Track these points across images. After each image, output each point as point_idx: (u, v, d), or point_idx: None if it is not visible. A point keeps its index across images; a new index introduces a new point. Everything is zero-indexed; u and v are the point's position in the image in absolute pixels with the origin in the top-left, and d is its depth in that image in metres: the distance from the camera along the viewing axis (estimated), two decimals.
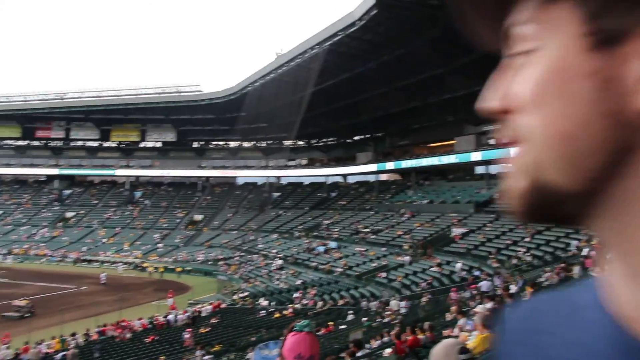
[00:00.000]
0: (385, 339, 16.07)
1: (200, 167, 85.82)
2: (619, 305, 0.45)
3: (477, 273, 29.98)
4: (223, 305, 39.01)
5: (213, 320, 32.44)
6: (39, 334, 28.69)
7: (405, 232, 46.00)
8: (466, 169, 56.91)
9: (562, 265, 20.63)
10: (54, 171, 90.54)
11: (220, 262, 58.51)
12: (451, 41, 31.27)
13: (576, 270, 18.86)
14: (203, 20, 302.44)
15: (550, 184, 0.45)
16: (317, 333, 13.89)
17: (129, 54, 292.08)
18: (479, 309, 13.97)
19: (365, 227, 51.86)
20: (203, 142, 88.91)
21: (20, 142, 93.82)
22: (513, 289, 18.25)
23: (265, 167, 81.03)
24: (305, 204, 72.40)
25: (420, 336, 13.23)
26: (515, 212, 0.50)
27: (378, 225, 51.56)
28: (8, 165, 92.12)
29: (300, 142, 79.94)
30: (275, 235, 61.77)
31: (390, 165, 61.02)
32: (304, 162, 78.17)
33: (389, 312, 24.39)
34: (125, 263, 62.85)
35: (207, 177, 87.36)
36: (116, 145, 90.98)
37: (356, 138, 72.10)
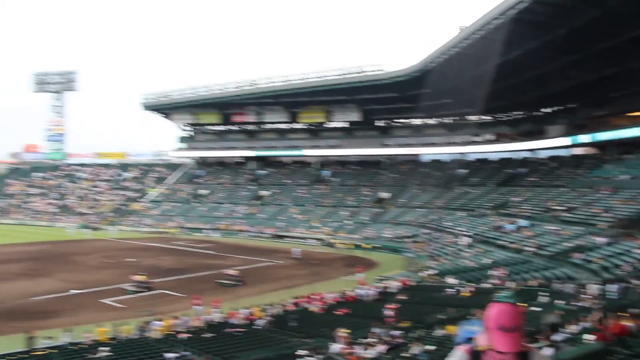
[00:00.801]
0: (585, 324, 15.24)
1: (385, 145, 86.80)
2: None
3: None
4: (411, 283, 39.37)
5: (401, 297, 32.87)
6: (241, 301, 31.33)
7: (604, 210, 42.66)
8: None
9: None
10: (250, 153, 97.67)
11: (407, 240, 58.99)
12: None
13: None
14: None
15: None
16: None
17: (313, 38, 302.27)
18: None
19: (558, 205, 49.02)
20: (387, 121, 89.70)
21: (220, 127, 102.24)
22: None
23: (451, 144, 79.72)
24: (492, 180, 70.20)
25: (628, 324, 12.35)
26: None
27: (572, 202, 48.41)
28: (212, 148, 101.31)
29: (486, 117, 77.43)
30: (462, 213, 60.76)
31: (584, 138, 56.83)
32: (491, 137, 75.58)
33: (586, 296, 22.99)
34: (316, 239, 65.88)
35: (392, 155, 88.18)
36: (304, 126, 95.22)
37: (546, 110, 68.12)
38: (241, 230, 74.70)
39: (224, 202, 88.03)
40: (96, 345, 23.58)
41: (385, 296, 33.73)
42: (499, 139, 73.86)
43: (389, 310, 23.98)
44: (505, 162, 74.62)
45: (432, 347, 16.79)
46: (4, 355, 22.44)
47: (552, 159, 68.24)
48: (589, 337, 12.67)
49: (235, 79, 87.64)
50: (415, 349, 16.48)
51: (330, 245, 63.04)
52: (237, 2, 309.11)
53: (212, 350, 22.02)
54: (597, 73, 50.40)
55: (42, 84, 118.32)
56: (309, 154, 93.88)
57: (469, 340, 3.26)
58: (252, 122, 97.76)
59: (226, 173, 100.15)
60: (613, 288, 23.65)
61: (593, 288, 24.22)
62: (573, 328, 15.24)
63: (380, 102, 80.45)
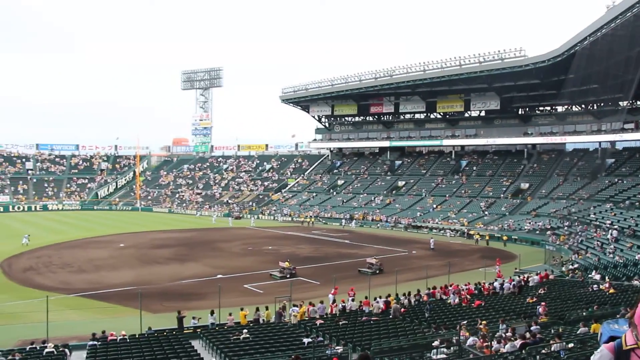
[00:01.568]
0: None
1: (526, 134, 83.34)
2: None
3: None
4: (551, 276, 37.74)
5: (540, 291, 31.66)
6: (376, 290, 31.69)
7: None
8: None
9: None
10: (386, 143, 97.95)
11: (548, 232, 56.48)
12: None
13: None
14: None
15: None
16: None
17: (451, 24, 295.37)
18: None
19: None
20: (528, 109, 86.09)
21: (356, 118, 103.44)
22: None
23: (598, 132, 74.82)
24: None
25: None
26: None
27: None
28: (348, 139, 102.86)
29: (639, 102, 71.77)
30: (609, 205, 56.96)
31: None
32: None
33: None
34: (452, 230, 64.88)
35: (534, 144, 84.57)
36: (441, 116, 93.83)
37: None
38: (377, 220, 75.23)
39: (361, 192, 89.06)
40: (238, 327, 25.02)
41: (522, 290, 32.69)
42: None
43: (540, 307, 23.10)
44: None
45: (573, 345, 16.14)
46: (157, 331, 24.54)
47: None
48: None
49: (372, 70, 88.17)
50: (555, 346, 15.91)
51: (468, 236, 61.81)
52: None
53: (346, 337, 22.57)
54: None
55: (190, 81, 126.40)
56: (446, 144, 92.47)
57: (613, 338, 3.15)
58: (388, 113, 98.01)
59: (363, 163, 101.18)
60: None
61: None
62: None
63: (521, 89, 77.41)
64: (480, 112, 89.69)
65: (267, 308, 27.82)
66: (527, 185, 76.08)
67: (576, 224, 55.87)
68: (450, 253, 51.41)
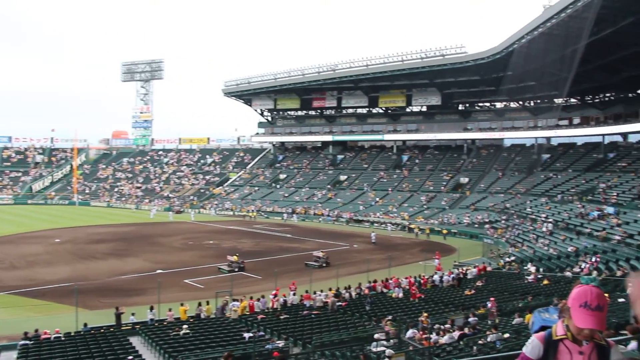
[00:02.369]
0: None
1: (466, 130, 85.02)
2: None
3: None
4: (488, 269, 38.59)
5: (478, 284, 32.30)
6: (318, 284, 31.62)
7: None
8: None
9: None
10: (328, 138, 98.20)
11: (486, 225, 57.79)
12: None
13: None
14: None
15: None
16: None
17: (393, 20, 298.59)
18: None
19: None
20: (468, 104, 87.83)
21: (299, 112, 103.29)
22: None
23: (534, 128, 77.08)
24: (578, 165, 67.41)
25: None
26: None
27: None
28: (291, 133, 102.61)
29: (573, 100, 74.20)
30: (544, 199, 58.76)
31: None
32: (577, 120, 72.43)
33: None
34: (393, 224, 65.56)
35: (473, 140, 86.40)
36: (383, 110, 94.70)
37: (639, 92, 64.36)
38: (319, 214, 75.29)
39: (303, 187, 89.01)
40: (178, 323, 24.51)
41: (461, 282, 33.26)
42: (587, 122, 70.58)
43: (490, 302, 23.43)
44: (593, 147, 71.41)
45: (508, 335, 16.40)
46: (94, 328, 23.77)
47: None
48: None
49: (315, 64, 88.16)
50: (491, 337, 16.15)
51: (408, 230, 62.56)
52: None
53: (287, 331, 22.38)
54: None
55: (131, 73, 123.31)
56: (388, 139, 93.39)
57: (544, 328, 3.23)
58: (331, 107, 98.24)
59: (305, 158, 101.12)
60: None
61: None
62: None
63: (461, 85, 78.81)
64: (421, 108, 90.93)
65: (207, 303, 27.39)
66: (466, 179, 77.65)
67: (513, 217, 57.37)
68: (391, 247, 51.94)
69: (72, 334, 22.84)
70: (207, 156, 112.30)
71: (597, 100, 71.37)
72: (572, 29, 46.34)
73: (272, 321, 24.55)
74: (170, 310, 26.21)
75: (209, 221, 73.18)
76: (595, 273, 30.94)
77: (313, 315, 25.47)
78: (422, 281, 33.56)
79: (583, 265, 34.16)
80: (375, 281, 32.37)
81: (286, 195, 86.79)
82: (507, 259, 42.19)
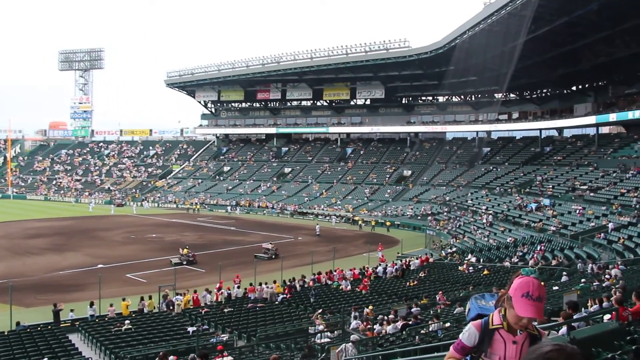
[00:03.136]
0: (605, 304, 15.03)
1: (409, 123, 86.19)
2: None
3: None
4: (431, 260, 39.38)
5: (421, 274, 32.92)
6: (262, 277, 31.54)
7: (630, 190, 41.89)
8: None
9: None
10: (273, 130, 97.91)
11: (429, 217, 58.85)
12: None
13: None
14: None
15: None
16: None
17: (337, 13, 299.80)
18: None
19: (583, 184, 48.35)
20: (411, 98, 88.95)
21: (243, 104, 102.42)
22: None
23: (475, 122, 78.94)
24: (517, 159, 69.43)
25: None
26: None
27: (598, 182, 47.69)
28: (235, 125, 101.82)
29: (512, 95, 76.34)
30: (484, 191, 60.32)
31: (613, 116, 55.53)
32: (516, 115, 74.59)
33: (608, 276, 22.70)
34: (338, 216, 65.98)
35: (416, 133, 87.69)
36: (328, 103, 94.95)
37: (574, 88, 66.76)
38: (263, 207, 75.00)
39: (247, 179, 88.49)
40: (120, 318, 24.05)
41: (405, 273, 33.81)
42: (525, 117, 72.78)
43: (438, 295, 23.87)
44: (531, 141, 73.68)
45: (449, 324, 16.79)
46: (31, 326, 23.01)
47: (578, 137, 67.12)
48: (607, 317, 12.48)
49: (259, 56, 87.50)
50: (433, 326, 16.49)
51: (353, 222, 63.07)
52: None
53: (231, 324, 22.29)
54: (628, 50, 48.91)
55: (69, 61, 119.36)
56: (332, 131, 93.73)
57: (480, 316, 3.28)
58: (275, 99, 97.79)
59: (249, 150, 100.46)
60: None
61: (614, 269, 23.88)
62: (592, 308, 15.06)
63: (405, 79, 79.73)
64: (365, 101, 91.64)
65: (150, 297, 26.95)
66: (409, 172, 78.80)
67: (455, 209, 58.64)
68: (336, 239, 52.26)
69: (6, 333, 21.91)
70: (150, 148, 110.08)
71: (535, 96, 73.67)
72: (511, 26, 47.56)
73: (216, 314, 24.41)
74: (111, 305, 25.63)
75: (152, 214, 71.90)
76: (531, 262, 31.99)
77: (258, 308, 25.46)
78: (366, 273, 33.94)
79: (530, 255, 35.18)
80: (319, 273, 32.57)
81: (230, 187, 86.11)
82: (449, 250, 43.16)
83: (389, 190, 74.11)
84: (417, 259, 38.24)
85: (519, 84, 66.17)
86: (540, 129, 71.00)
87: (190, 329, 21.16)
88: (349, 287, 29.48)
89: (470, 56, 57.54)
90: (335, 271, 33.16)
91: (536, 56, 54.01)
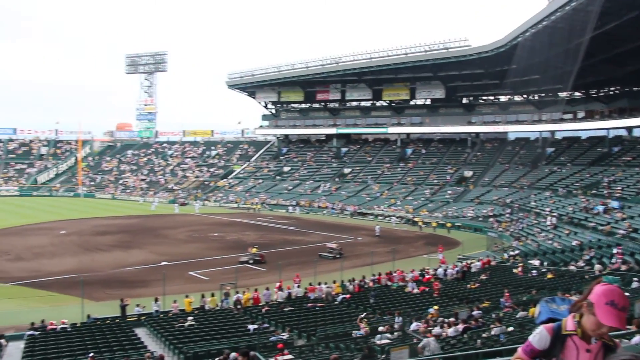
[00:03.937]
0: None
1: (470, 123, 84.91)
2: None
3: None
4: (492, 262, 38.69)
5: (482, 277, 32.41)
6: (322, 277, 31.75)
7: None
8: None
9: None
10: (332, 130, 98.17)
11: (491, 219, 57.83)
12: None
13: None
14: None
15: None
16: None
17: (397, 13, 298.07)
18: None
19: None
20: (472, 98, 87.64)
21: (303, 105, 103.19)
22: None
23: (539, 121, 77.00)
24: (582, 159, 67.31)
25: None
26: None
27: None
28: (294, 126, 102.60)
29: (577, 93, 74.01)
30: (548, 193, 58.76)
31: None
32: (582, 114, 72.29)
33: None
34: (398, 217, 65.65)
35: (477, 133, 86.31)
36: (387, 104, 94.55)
37: None
38: (323, 207, 75.39)
39: (307, 179, 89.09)
40: (183, 314, 24.70)
41: (465, 275, 33.36)
42: (591, 116, 70.48)
43: (504, 297, 23.47)
44: (597, 141, 71.30)
45: (512, 329, 16.51)
46: (99, 319, 23.99)
47: None
48: None
49: (318, 57, 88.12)
50: (495, 330, 16.25)
51: (413, 223, 62.63)
52: None
53: (291, 323, 22.54)
54: None
55: (135, 65, 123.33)
56: (392, 132, 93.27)
57: (551, 320, 3.21)
58: (335, 100, 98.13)
59: (309, 150, 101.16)
60: None
61: None
62: None
63: (465, 78, 78.64)
64: (425, 101, 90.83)
65: (212, 295, 27.56)
66: (470, 173, 77.63)
67: (517, 211, 57.39)
68: (395, 240, 52.03)
69: (78, 324, 23.10)
70: (212, 148, 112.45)
71: (601, 94, 71.20)
72: (576, 22, 46.16)
73: (276, 313, 24.72)
74: (175, 302, 26.41)
75: (214, 213, 73.38)
76: (598, 267, 31.01)
77: (317, 308, 25.63)
78: (426, 274, 33.68)
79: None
80: (379, 274, 32.51)
81: (290, 188, 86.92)
82: (511, 253, 42.27)
83: (449, 191, 73.20)
84: (478, 261, 37.66)
85: (585, 82, 64.12)
86: (608, 129, 68.65)
87: (250, 327, 21.50)
88: (415, 290, 29.00)
89: (533, 54, 56.20)
90: (396, 272, 33.02)
91: (603, 53, 52.25)
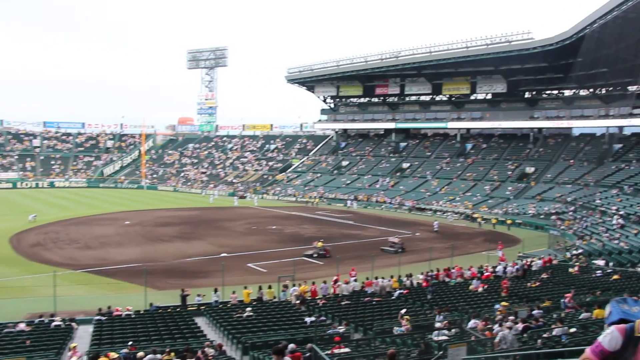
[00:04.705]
0: None
1: (532, 118, 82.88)
2: None
3: None
4: (554, 261, 37.75)
5: (543, 276, 31.68)
6: (380, 271, 31.71)
7: None
8: None
9: None
10: (391, 125, 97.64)
11: (553, 217, 56.39)
12: None
13: None
14: None
15: None
16: None
17: (458, 6, 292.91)
18: None
19: None
20: (535, 92, 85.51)
21: (362, 100, 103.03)
22: None
23: (606, 117, 74.31)
24: None
25: None
26: None
27: None
28: (353, 120, 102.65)
29: None
30: (615, 191, 56.77)
31: None
32: None
33: None
34: (456, 213, 64.85)
35: (540, 128, 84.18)
36: (447, 98, 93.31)
37: None
38: (381, 202, 75.17)
39: (365, 174, 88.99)
40: (241, 305, 25.19)
41: (526, 274, 32.70)
42: None
43: (567, 298, 22.87)
44: None
45: (575, 330, 16.13)
46: (161, 308, 24.78)
47: None
48: None
49: (377, 51, 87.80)
50: (556, 330, 15.92)
51: (472, 219, 61.76)
52: None
53: (348, 317, 22.66)
54: None
55: (196, 60, 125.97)
56: (451, 127, 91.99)
57: (623, 321, 3.09)
58: (394, 94, 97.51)
59: (367, 145, 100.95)
60: None
61: None
62: None
63: (528, 72, 76.84)
64: (486, 95, 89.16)
65: (269, 287, 27.97)
66: (532, 169, 75.79)
67: (581, 209, 55.74)
68: (454, 236, 51.43)
69: (142, 312, 23.96)
70: (271, 142, 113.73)
71: None
72: None
73: (333, 306, 24.89)
74: (234, 292, 26.95)
75: (272, 206, 74.26)
76: None
77: (374, 302, 25.65)
78: (485, 271, 33.18)
79: None
80: (437, 270, 32.25)
81: (348, 182, 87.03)
82: (574, 252, 41.14)
83: (510, 188, 71.73)
84: (539, 259, 36.82)
85: None
86: None
87: (308, 320, 21.73)
88: (480, 288, 28.33)
89: (600, 47, 54.50)
90: (454, 268, 32.68)
91: None
